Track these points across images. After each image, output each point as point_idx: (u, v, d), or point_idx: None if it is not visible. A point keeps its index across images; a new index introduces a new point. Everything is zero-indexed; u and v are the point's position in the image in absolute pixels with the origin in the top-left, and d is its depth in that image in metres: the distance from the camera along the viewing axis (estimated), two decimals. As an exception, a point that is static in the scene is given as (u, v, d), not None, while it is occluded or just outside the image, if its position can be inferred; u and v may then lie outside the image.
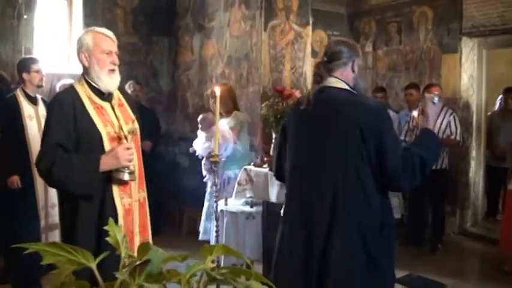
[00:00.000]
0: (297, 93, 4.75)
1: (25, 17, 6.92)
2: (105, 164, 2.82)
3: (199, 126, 5.64)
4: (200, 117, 5.69)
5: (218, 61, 7.30)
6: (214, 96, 5.24)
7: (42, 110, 5.51)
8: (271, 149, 4.84)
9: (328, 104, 2.86)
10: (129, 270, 0.85)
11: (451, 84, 7.48)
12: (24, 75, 5.39)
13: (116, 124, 3.00)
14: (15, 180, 5.18)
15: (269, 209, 4.71)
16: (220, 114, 5.22)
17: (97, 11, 7.83)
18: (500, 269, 5.94)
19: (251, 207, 4.98)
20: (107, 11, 7.96)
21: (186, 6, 8.06)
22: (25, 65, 5.44)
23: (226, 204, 5.04)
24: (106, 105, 3.04)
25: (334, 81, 2.89)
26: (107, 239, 0.89)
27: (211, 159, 3.93)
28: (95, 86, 3.01)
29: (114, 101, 3.11)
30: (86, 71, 3.02)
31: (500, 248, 6.11)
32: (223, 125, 5.42)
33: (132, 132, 3.02)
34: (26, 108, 5.39)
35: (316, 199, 2.82)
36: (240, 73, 6.84)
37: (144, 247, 0.83)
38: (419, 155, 2.84)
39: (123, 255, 0.87)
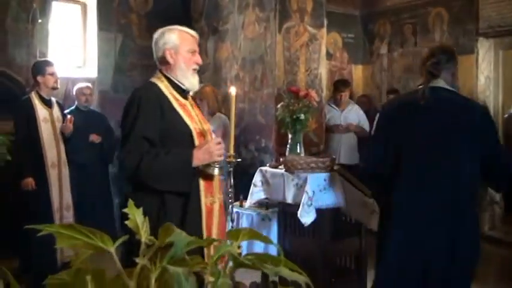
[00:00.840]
0: (313, 93, 4.71)
1: (40, 21, 6.93)
2: (198, 158, 2.82)
3: None
4: None
5: (232, 64, 7.27)
6: (201, 97, 5.32)
7: (56, 112, 5.52)
8: (287, 150, 4.78)
9: (446, 104, 3.15)
10: (149, 255, 0.81)
11: (468, 85, 7.39)
12: (39, 78, 5.40)
13: (197, 121, 3.04)
14: (30, 182, 5.18)
15: (285, 210, 4.66)
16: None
17: (111, 15, 7.84)
18: (520, 272, 5.84)
19: (267, 208, 4.93)
20: (121, 15, 7.96)
21: (200, 9, 8.04)
22: (40, 67, 5.45)
23: (241, 206, 5.00)
24: (186, 103, 3.07)
25: (442, 83, 3.17)
26: (126, 222, 0.85)
27: (228, 159, 3.87)
28: (177, 83, 3.04)
29: (191, 100, 3.16)
30: (169, 68, 3.05)
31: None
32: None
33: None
34: (41, 111, 5.39)
35: (437, 194, 3.05)
36: (255, 75, 6.81)
37: (166, 229, 0.78)
38: None
39: (143, 239, 0.83)
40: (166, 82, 3.03)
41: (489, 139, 3.11)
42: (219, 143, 2.91)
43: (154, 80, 3.06)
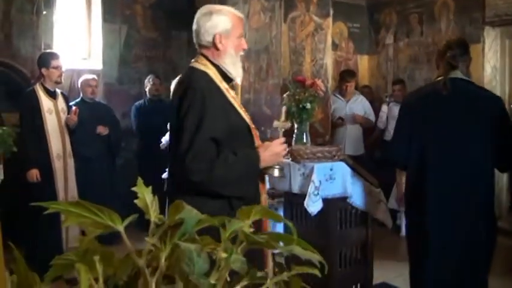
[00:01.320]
0: (319, 82, 4.68)
1: (44, 13, 6.92)
2: (265, 160, 2.61)
3: None
4: None
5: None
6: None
7: (61, 104, 5.51)
8: (293, 140, 4.76)
9: (466, 94, 3.44)
10: (159, 234, 0.79)
11: (474, 75, 7.31)
12: (44, 71, 5.39)
13: (245, 114, 2.79)
14: (34, 173, 5.18)
15: (291, 200, 4.64)
16: None
17: (116, 6, 7.83)
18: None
19: (273, 198, 4.91)
20: (126, 6, 7.94)
21: (205, 0, 8.02)
22: (45, 60, 5.44)
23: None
24: (233, 93, 2.80)
25: (460, 74, 3.46)
26: (135, 201, 0.83)
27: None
28: (225, 71, 2.75)
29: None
30: (217, 55, 2.72)
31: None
32: None
33: None
34: (46, 102, 5.38)
35: (461, 179, 3.41)
36: (260, 66, 6.78)
37: (176, 207, 0.77)
38: None
39: (152, 219, 0.81)
40: (214, 70, 2.71)
41: (506, 127, 3.47)
42: (283, 143, 2.69)
43: (199, 66, 2.73)
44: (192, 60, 2.82)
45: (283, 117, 3.20)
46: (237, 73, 2.78)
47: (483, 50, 7.29)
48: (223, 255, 0.72)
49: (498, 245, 6.98)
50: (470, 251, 3.48)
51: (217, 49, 2.71)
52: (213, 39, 2.69)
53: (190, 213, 0.75)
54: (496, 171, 3.68)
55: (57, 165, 5.36)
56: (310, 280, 0.89)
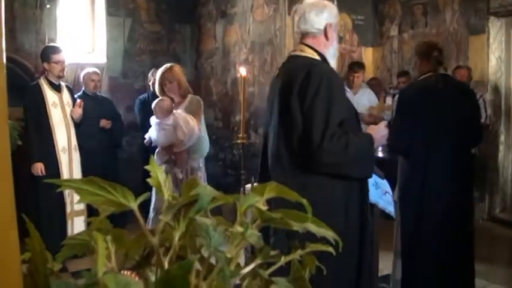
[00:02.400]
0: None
1: (48, 6, 6.92)
2: (377, 142, 2.79)
3: (155, 113, 5.04)
4: (155, 103, 5.07)
5: (241, 47, 7.24)
6: (171, 79, 5.00)
7: (66, 97, 5.51)
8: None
9: (453, 87, 4.06)
10: (173, 212, 0.78)
11: (479, 66, 7.31)
12: (46, 65, 5.38)
13: None
14: (39, 167, 5.17)
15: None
16: (171, 98, 5.05)
17: (120, 0, 7.82)
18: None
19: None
20: (130, 0, 7.94)
21: (208, -8, 8.01)
22: (46, 54, 5.42)
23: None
24: None
25: (443, 70, 4.15)
26: (148, 180, 0.83)
27: (239, 141, 3.86)
28: (328, 61, 2.86)
29: None
30: (323, 45, 2.82)
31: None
32: (182, 110, 5.02)
33: None
34: (50, 95, 5.38)
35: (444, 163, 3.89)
36: (264, 58, 6.77)
37: (190, 184, 0.76)
38: None
39: (166, 197, 0.81)
40: (319, 58, 2.81)
41: (477, 116, 4.32)
42: (387, 126, 2.86)
43: (308, 55, 2.81)
44: (292, 50, 3.05)
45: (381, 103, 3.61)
46: (333, 64, 2.89)
47: (488, 40, 7.26)
48: (240, 229, 0.71)
49: (503, 237, 7.01)
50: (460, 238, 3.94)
51: (327, 38, 2.81)
52: (325, 28, 2.80)
53: (204, 189, 0.75)
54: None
55: (63, 158, 5.36)
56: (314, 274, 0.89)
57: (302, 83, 2.65)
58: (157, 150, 5.08)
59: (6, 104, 0.62)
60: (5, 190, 0.61)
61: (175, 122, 4.81)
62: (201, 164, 5.13)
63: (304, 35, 2.85)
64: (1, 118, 0.61)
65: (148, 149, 6.95)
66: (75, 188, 0.76)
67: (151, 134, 5.04)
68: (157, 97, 7.27)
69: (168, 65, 5.22)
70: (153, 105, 5.02)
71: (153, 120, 5.04)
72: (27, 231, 0.71)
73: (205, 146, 5.18)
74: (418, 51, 4.16)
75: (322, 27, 2.79)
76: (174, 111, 4.92)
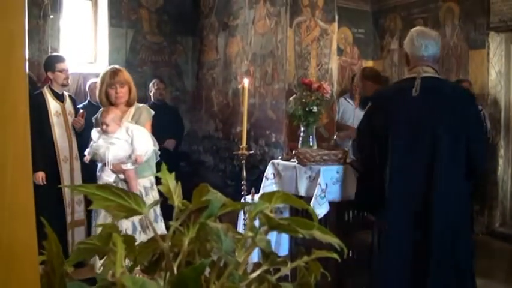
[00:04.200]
0: (326, 86, 4.70)
1: (51, 17, 6.96)
2: None
3: (103, 125, 4.26)
4: (102, 113, 4.33)
5: (243, 59, 7.28)
6: (122, 83, 4.33)
7: (69, 107, 5.54)
8: (299, 143, 4.78)
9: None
10: (182, 218, 0.81)
11: (479, 80, 7.36)
12: (50, 74, 5.43)
13: None
14: (41, 176, 5.18)
15: (297, 203, 4.64)
16: (111, 104, 4.35)
17: (122, 11, 7.87)
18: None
19: (279, 202, 4.91)
20: (132, 11, 7.99)
21: (210, 5, 8.06)
22: (50, 63, 5.47)
23: (253, 200, 4.99)
24: None
25: None
26: (159, 187, 0.85)
27: (241, 152, 3.87)
28: None
29: None
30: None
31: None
32: (129, 121, 4.38)
33: None
34: (53, 105, 5.41)
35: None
36: (265, 70, 6.81)
37: (201, 190, 0.78)
38: None
39: (176, 203, 0.83)
40: None
41: None
42: None
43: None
44: (431, 72, 3.39)
45: None
46: None
47: (488, 55, 7.31)
48: (250, 234, 0.73)
49: (502, 250, 7.01)
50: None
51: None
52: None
53: (215, 196, 0.77)
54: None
55: (64, 167, 5.38)
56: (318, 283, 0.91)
57: (465, 106, 3.37)
58: (99, 167, 4.37)
59: (27, 112, 0.65)
60: (26, 193, 0.64)
61: (129, 136, 4.20)
62: (153, 182, 4.44)
63: (437, 60, 3.48)
64: (23, 129, 0.64)
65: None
66: (89, 193, 0.79)
67: (97, 149, 4.24)
68: (159, 107, 7.34)
69: (115, 66, 4.61)
70: (98, 116, 4.35)
71: (96, 133, 4.31)
72: (44, 235, 0.74)
73: (155, 161, 4.50)
74: None
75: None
76: (125, 122, 4.30)
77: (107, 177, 4.24)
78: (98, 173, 4.34)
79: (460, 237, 3.32)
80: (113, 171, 4.25)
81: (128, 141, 4.19)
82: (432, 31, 3.63)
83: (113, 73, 4.36)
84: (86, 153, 4.35)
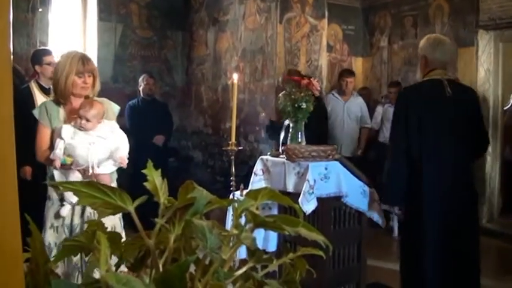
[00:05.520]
0: (315, 82, 4.69)
1: (40, 10, 6.92)
2: None
3: (83, 120, 3.49)
4: (84, 106, 3.52)
5: (233, 54, 7.27)
6: (93, 72, 3.62)
7: (56, 101, 5.50)
8: (288, 139, 4.78)
9: None
10: (168, 215, 0.81)
11: (468, 77, 7.39)
12: (37, 67, 5.39)
13: None
14: (28, 171, 5.14)
15: (286, 199, 4.64)
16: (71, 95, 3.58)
17: (112, 5, 7.84)
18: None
19: (267, 198, 4.90)
20: (121, 5, 7.95)
21: (201, 0, 8.04)
22: (38, 57, 5.43)
23: (241, 196, 4.99)
24: None
25: None
26: (145, 184, 0.85)
27: (230, 148, 3.85)
28: None
29: None
30: None
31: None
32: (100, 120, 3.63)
33: None
34: (40, 99, 5.37)
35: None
36: (255, 66, 6.81)
37: (186, 187, 0.78)
38: None
39: (161, 201, 0.83)
40: None
41: None
42: None
43: None
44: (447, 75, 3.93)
45: None
46: None
47: (477, 53, 7.35)
48: (235, 231, 0.73)
49: (490, 247, 7.07)
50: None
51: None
52: None
53: (201, 193, 0.77)
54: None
55: (51, 162, 5.34)
56: (303, 281, 0.91)
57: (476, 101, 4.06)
58: (55, 173, 3.49)
59: (11, 111, 0.65)
60: (9, 191, 0.63)
61: (112, 133, 3.63)
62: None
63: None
64: (8, 129, 0.63)
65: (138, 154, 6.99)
66: (75, 190, 0.78)
67: (73, 150, 3.45)
68: (148, 102, 7.34)
69: (82, 52, 3.93)
70: (80, 111, 3.49)
71: (70, 130, 3.50)
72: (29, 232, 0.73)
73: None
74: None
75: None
76: (104, 119, 3.65)
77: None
78: (50, 179, 3.46)
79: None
80: (82, 174, 3.47)
81: (109, 140, 3.57)
82: (447, 38, 4.33)
83: (85, 59, 3.61)
84: (52, 156, 3.44)
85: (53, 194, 3.53)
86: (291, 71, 5.92)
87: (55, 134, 3.56)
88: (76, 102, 3.60)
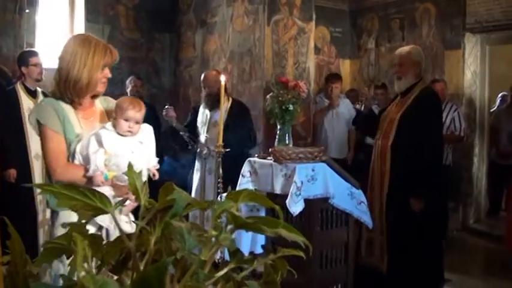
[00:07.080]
0: (302, 84, 4.70)
1: (27, 11, 6.88)
2: None
3: (131, 126, 2.81)
4: (143, 111, 2.88)
5: (221, 56, 7.27)
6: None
7: (42, 103, 5.47)
8: (276, 141, 4.78)
9: None
10: (148, 217, 0.81)
11: (454, 80, 7.44)
12: (23, 69, 5.36)
13: None
14: (12, 173, 5.11)
15: (273, 200, 4.65)
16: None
17: (99, 6, 7.81)
18: (504, 265, 5.90)
19: (254, 199, 4.90)
20: (109, 7, 7.94)
21: (188, 1, 8.04)
22: (24, 58, 5.41)
23: (229, 198, 4.97)
24: None
25: None
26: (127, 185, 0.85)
27: (217, 149, 3.87)
28: None
29: None
30: None
31: (507, 246, 6.08)
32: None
33: None
34: (25, 101, 5.35)
35: None
36: (243, 68, 6.81)
37: (166, 189, 0.79)
38: None
39: (142, 202, 0.83)
40: None
41: None
42: None
43: None
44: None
45: None
46: None
47: (463, 55, 7.40)
48: (213, 233, 0.74)
49: (476, 247, 7.13)
50: None
51: None
52: None
53: (180, 195, 0.77)
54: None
55: (36, 164, 5.29)
56: (291, 280, 0.92)
57: None
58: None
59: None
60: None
61: (146, 137, 2.96)
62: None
63: None
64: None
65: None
66: (55, 192, 0.78)
67: (118, 159, 2.73)
68: (146, 105, 7.27)
69: (98, 38, 2.97)
70: (129, 112, 2.79)
71: (110, 136, 2.77)
72: (8, 234, 0.73)
73: None
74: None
75: None
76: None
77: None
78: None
79: None
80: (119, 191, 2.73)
81: (146, 145, 2.93)
82: None
83: (110, 49, 2.88)
84: (92, 172, 2.68)
85: None
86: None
87: (83, 142, 2.78)
88: (86, 101, 2.88)
